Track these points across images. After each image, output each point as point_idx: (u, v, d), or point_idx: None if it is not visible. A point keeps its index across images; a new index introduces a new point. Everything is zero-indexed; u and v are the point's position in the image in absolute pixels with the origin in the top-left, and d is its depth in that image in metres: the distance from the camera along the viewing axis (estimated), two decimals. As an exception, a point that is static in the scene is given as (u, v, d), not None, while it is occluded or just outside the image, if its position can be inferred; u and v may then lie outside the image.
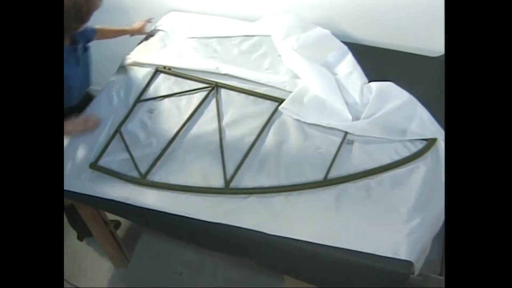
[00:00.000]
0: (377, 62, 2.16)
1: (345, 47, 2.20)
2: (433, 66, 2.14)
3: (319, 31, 2.24)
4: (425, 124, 1.86)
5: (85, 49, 2.05)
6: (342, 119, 1.93)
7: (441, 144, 1.79)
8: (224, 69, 2.18)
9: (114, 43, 2.80)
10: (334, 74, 2.12)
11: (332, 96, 1.99)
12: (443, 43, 1.07)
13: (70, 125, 1.91)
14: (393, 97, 1.97)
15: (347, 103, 1.98)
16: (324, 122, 1.92)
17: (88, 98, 2.17)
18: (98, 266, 2.58)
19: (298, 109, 1.98)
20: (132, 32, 2.40)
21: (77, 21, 1.81)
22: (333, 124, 1.91)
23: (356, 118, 1.94)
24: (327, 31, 2.23)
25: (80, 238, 2.63)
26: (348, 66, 2.13)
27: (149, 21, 2.44)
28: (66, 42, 1.91)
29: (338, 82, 2.07)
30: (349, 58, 2.16)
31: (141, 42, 2.48)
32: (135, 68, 2.28)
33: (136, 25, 2.40)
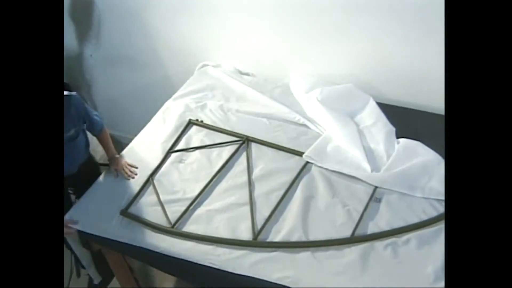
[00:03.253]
0: (408, 123, 2.20)
1: (369, 97, 2.25)
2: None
3: (343, 85, 2.31)
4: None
5: (76, 136, 1.99)
6: (362, 169, 1.98)
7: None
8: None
9: (151, 92, 2.91)
10: (358, 124, 2.19)
11: (353, 146, 2.05)
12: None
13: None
14: (418, 154, 2.01)
15: (371, 151, 2.05)
16: (346, 171, 1.97)
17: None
18: (121, 313, 2.58)
19: (321, 157, 2.03)
20: (110, 166, 2.13)
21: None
22: (354, 173, 1.95)
23: (378, 168, 1.98)
24: (351, 85, 2.30)
25: (105, 283, 2.64)
26: (372, 116, 2.19)
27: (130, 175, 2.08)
28: None
29: (362, 132, 2.13)
30: (373, 108, 2.22)
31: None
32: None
33: (119, 166, 2.09)
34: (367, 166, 1.97)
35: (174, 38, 2.69)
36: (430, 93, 2.24)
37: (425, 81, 2.22)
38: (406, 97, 2.32)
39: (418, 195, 1.87)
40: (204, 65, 2.68)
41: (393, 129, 2.12)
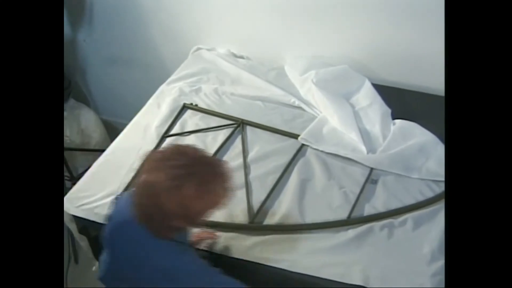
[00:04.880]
0: (404, 104, 2.18)
1: (364, 79, 2.24)
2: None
3: (338, 66, 2.30)
4: (444, 165, 1.86)
5: None
6: (358, 151, 1.98)
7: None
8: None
9: (145, 76, 2.88)
10: (354, 105, 2.19)
11: (348, 128, 2.05)
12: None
13: None
14: (414, 135, 2.01)
15: (367, 133, 2.05)
16: (341, 152, 1.96)
17: None
18: (119, 298, 2.58)
19: (317, 139, 2.03)
20: None
21: (185, 221, 1.37)
22: (350, 155, 1.95)
23: (374, 150, 1.98)
24: (346, 66, 2.28)
25: (102, 269, 2.65)
26: (368, 98, 2.18)
27: None
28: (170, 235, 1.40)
29: (357, 114, 2.13)
30: (369, 89, 2.21)
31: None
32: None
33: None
34: (363, 148, 1.97)
35: (167, 21, 2.66)
36: (426, 74, 2.24)
37: (420, 61, 2.21)
38: (402, 78, 2.30)
39: (415, 176, 1.87)
40: (198, 49, 2.65)
41: (389, 110, 2.11)
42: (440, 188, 1.82)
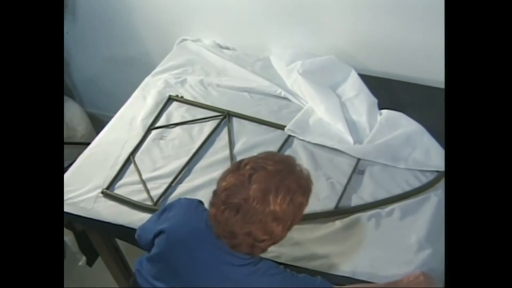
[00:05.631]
0: (391, 94, 2.18)
1: (351, 69, 2.23)
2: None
3: (324, 57, 2.28)
4: (430, 155, 1.87)
5: None
6: (345, 141, 1.97)
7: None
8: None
9: (130, 68, 2.86)
10: (340, 96, 2.18)
11: (335, 118, 2.04)
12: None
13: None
14: (400, 125, 2.00)
15: (353, 123, 2.04)
16: (328, 143, 1.96)
17: None
18: (107, 292, 2.58)
19: (303, 130, 2.02)
20: None
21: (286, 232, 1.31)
22: (336, 145, 1.94)
23: (360, 140, 1.98)
24: (332, 56, 2.27)
25: (89, 263, 2.63)
26: (354, 88, 2.17)
27: None
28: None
29: (344, 104, 2.12)
30: (355, 80, 2.19)
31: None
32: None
33: None
34: (349, 138, 1.96)
35: (152, 12, 2.64)
36: (412, 64, 2.23)
37: (406, 51, 2.21)
38: (388, 68, 2.29)
39: (401, 166, 1.87)
40: (183, 40, 2.62)
41: (376, 100, 2.11)
42: (427, 178, 1.82)
